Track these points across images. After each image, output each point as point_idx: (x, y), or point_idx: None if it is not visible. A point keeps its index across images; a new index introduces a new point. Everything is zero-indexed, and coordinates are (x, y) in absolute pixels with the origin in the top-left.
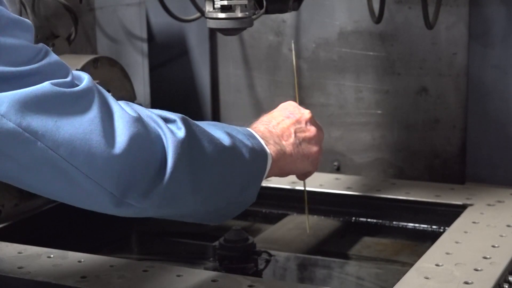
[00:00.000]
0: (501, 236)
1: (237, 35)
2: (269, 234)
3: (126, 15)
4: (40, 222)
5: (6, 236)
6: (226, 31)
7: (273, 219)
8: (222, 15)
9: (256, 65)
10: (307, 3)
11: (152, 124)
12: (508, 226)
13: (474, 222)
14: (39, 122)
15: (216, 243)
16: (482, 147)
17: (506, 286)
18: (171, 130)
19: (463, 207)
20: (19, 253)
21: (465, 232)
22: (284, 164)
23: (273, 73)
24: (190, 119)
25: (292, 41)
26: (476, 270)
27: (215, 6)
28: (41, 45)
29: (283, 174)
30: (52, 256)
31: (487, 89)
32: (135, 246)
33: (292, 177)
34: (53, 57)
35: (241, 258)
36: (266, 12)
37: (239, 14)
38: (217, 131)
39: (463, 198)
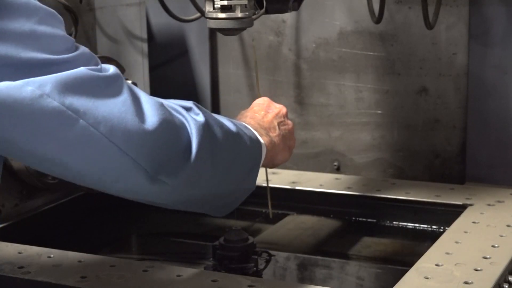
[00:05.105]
0: (501, 236)
1: (237, 35)
2: (269, 234)
3: (126, 15)
4: (40, 222)
5: (6, 236)
6: (226, 31)
7: (273, 219)
8: (222, 15)
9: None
10: (307, 3)
11: (173, 111)
12: (508, 226)
13: (474, 222)
14: (80, 101)
15: (216, 243)
16: (482, 147)
17: (506, 286)
18: (191, 115)
19: (463, 207)
20: (19, 253)
21: (465, 232)
22: (274, 154)
23: (273, 73)
24: (200, 106)
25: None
26: (476, 270)
27: (215, 6)
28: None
29: (271, 164)
30: (52, 256)
31: (487, 89)
32: (135, 246)
33: (292, 178)
34: (85, 48)
35: (241, 258)
36: (266, 12)
37: (239, 14)
38: (223, 119)
39: (463, 198)
